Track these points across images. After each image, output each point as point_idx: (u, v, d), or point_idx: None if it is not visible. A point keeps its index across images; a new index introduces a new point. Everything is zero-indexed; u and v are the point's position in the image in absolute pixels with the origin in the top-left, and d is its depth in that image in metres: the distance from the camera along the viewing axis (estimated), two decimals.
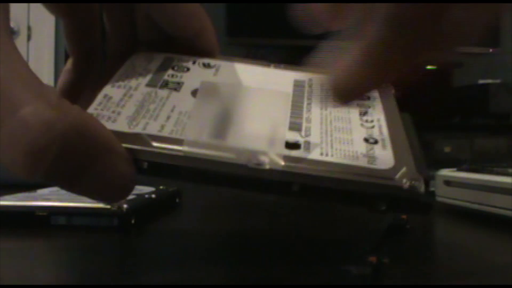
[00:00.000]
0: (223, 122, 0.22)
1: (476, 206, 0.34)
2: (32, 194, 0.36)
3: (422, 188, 0.20)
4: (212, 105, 0.23)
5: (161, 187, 0.37)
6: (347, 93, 0.19)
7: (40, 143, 0.19)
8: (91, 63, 0.29)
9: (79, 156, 0.20)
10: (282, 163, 0.21)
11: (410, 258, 0.25)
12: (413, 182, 0.20)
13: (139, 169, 0.21)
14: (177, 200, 0.39)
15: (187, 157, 0.21)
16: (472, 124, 0.88)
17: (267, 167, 0.20)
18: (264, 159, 0.21)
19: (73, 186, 0.20)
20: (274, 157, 0.21)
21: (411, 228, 0.30)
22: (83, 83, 0.29)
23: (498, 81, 1.19)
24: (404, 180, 0.21)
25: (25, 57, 0.32)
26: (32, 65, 0.38)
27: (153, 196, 0.33)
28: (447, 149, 0.75)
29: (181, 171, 0.21)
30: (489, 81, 1.19)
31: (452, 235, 0.33)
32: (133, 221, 0.30)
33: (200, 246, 0.28)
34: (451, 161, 0.68)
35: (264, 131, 0.22)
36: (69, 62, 0.29)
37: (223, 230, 0.32)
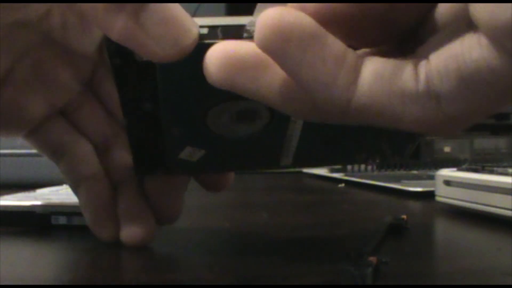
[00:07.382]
0: None
1: (476, 206, 0.34)
2: (32, 194, 0.36)
3: None
4: None
5: None
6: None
7: None
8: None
9: None
10: None
11: (410, 258, 0.25)
12: None
13: None
14: None
15: None
16: (472, 124, 0.88)
17: None
18: None
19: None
20: None
21: (411, 228, 0.30)
22: None
23: None
24: None
25: None
26: None
27: None
28: (447, 149, 0.75)
29: None
30: None
31: (452, 235, 0.33)
32: None
33: (200, 246, 0.28)
34: (451, 161, 0.68)
35: None
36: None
37: (223, 230, 0.32)
